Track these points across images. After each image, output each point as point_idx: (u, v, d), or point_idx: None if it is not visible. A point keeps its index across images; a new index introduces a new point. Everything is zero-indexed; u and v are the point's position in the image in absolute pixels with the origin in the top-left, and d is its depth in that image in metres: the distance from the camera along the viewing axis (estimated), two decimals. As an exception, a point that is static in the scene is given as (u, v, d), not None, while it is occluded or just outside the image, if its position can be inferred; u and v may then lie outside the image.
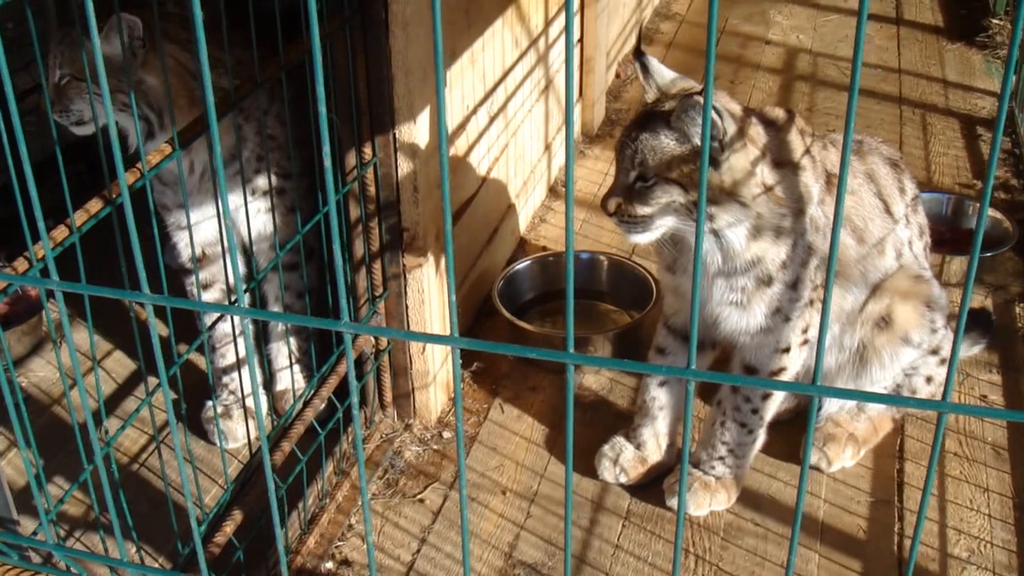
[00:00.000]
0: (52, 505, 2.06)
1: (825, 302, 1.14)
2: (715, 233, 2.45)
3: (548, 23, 4.14)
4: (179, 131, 2.07)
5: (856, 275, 2.70)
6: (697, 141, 2.34)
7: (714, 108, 2.33)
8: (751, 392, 2.73)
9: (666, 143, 2.37)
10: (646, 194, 2.40)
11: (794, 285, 2.54)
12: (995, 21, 5.78)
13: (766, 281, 2.52)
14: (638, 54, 2.58)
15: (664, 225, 2.44)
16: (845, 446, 2.97)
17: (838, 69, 5.57)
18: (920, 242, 2.87)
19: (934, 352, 2.86)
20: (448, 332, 3.25)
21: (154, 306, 1.29)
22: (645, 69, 2.55)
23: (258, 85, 2.35)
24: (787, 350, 2.65)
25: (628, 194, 2.44)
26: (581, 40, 4.65)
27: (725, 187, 2.37)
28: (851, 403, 3.00)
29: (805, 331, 2.64)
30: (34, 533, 1.94)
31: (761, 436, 2.82)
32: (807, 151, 2.53)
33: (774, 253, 2.49)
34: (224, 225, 1.31)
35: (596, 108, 4.88)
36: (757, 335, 2.63)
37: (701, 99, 2.28)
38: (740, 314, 2.59)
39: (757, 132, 2.44)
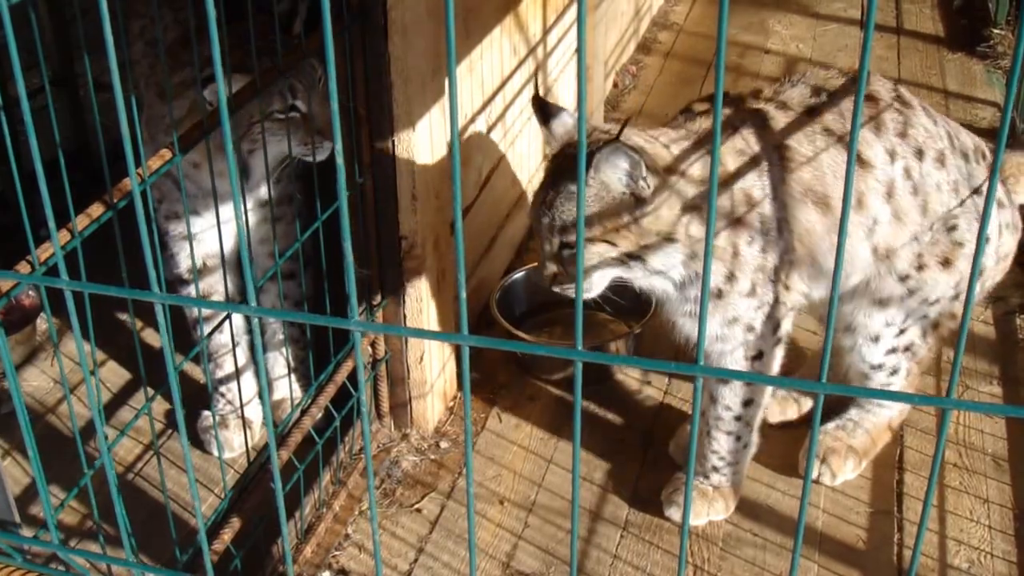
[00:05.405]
0: (53, 509, 2.04)
1: (831, 304, 1.13)
2: (653, 272, 2.42)
3: (546, 32, 4.14)
4: (179, 136, 2.06)
5: (826, 249, 2.53)
6: (620, 188, 2.29)
7: (634, 151, 2.26)
8: (731, 401, 2.68)
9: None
10: (575, 258, 2.29)
11: (751, 292, 2.48)
12: (996, 31, 5.77)
13: (715, 294, 2.47)
14: (537, 99, 2.50)
15: (607, 276, 2.41)
16: (846, 458, 2.96)
17: (836, 79, 5.56)
18: None
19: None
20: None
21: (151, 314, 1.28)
22: (545, 116, 2.47)
23: (258, 93, 2.35)
24: (759, 356, 2.60)
25: (559, 260, 2.40)
26: (579, 49, 4.65)
27: (654, 232, 2.34)
28: (850, 415, 3.00)
29: (776, 331, 2.58)
30: (35, 536, 1.93)
31: (753, 441, 2.80)
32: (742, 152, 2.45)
33: (713, 269, 2.42)
34: (239, 234, 1.30)
35: (594, 118, 4.88)
36: (716, 344, 2.58)
37: (617, 147, 2.24)
38: (693, 324, 2.56)
39: (676, 161, 2.38)
